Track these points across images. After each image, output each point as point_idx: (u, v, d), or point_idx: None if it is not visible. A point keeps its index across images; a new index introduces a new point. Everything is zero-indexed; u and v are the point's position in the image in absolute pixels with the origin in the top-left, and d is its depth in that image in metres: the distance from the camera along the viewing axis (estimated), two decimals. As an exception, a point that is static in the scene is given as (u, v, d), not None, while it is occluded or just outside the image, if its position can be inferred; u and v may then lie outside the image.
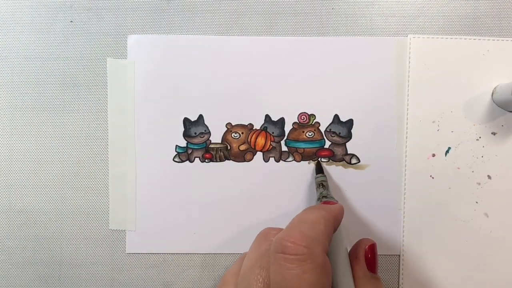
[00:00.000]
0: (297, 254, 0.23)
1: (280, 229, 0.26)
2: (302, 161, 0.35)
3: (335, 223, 0.26)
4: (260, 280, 0.24)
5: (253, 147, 0.35)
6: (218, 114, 0.35)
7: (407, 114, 0.35)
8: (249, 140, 0.35)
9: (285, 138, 0.35)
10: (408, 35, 0.35)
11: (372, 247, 0.28)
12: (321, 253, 0.24)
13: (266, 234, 0.28)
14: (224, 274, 0.29)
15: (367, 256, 0.27)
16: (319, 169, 0.34)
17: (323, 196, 0.31)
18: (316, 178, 0.33)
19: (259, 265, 0.25)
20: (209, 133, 0.35)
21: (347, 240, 0.30)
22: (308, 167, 0.35)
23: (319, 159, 0.34)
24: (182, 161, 0.35)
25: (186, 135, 0.35)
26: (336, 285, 0.26)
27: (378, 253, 0.35)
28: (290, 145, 0.35)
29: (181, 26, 0.35)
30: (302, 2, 0.35)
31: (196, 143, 0.35)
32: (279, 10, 0.35)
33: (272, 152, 0.35)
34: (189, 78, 0.35)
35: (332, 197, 0.30)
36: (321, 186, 0.32)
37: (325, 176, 0.33)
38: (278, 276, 0.23)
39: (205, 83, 0.35)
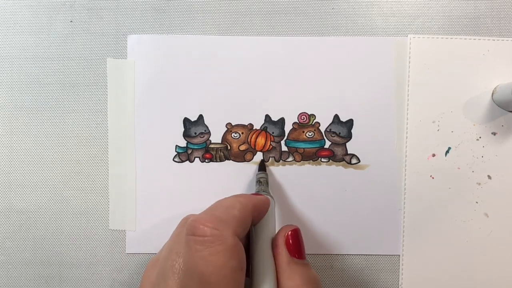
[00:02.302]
0: (205, 236, 0.23)
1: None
2: (302, 161, 0.35)
3: (254, 211, 0.26)
4: (176, 266, 0.24)
5: (253, 147, 0.35)
6: (218, 114, 0.35)
7: (407, 114, 0.35)
8: (249, 140, 0.35)
9: (285, 138, 0.35)
10: (408, 35, 0.35)
11: (294, 233, 0.27)
12: (231, 236, 0.23)
13: (186, 219, 0.28)
14: (149, 261, 0.28)
15: (288, 241, 0.27)
16: (262, 167, 0.34)
17: (257, 192, 0.31)
18: (256, 175, 0.34)
19: (176, 251, 0.25)
20: (209, 133, 0.35)
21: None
22: (308, 167, 0.35)
23: (263, 159, 0.35)
24: (182, 161, 0.35)
25: (186, 135, 0.35)
26: (256, 272, 0.26)
27: (378, 253, 0.35)
28: (290, 145, 0.35)
29: (181, 26, 0.35)
30: (302, 2, 0.35)
31: (196, 143, 0.35)
32: (279, 10, 0.35)
33: (272, 152, 0.35)
34: (189, 78, 0.35)
35: (266, 192, 0.31)
36: (258, 183, 0.33)
37: (265, 173, 0.34)
38: (188, 258, 0.23)
39: (205, 83, 0.35)
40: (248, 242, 0.28)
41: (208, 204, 0.29)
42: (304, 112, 0.35)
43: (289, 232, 0.27)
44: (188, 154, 0.35)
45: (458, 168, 0.35)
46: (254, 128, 0.35)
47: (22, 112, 0.35)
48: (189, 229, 0.24)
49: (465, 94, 0.35)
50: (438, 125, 0.35)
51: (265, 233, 0.27)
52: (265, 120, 0.35)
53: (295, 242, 0.27)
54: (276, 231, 0.28)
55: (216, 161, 0.35)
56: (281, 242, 0.27)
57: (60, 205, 0.35)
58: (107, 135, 0.35)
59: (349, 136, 0.35)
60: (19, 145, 0.35)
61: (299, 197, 0.35)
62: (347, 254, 0.35)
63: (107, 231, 0.35)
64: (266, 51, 0.35)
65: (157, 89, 0.35)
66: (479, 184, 0.35)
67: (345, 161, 0.35)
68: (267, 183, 0.33)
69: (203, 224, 0.23)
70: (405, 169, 0.35)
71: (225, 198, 0.27)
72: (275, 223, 0.29)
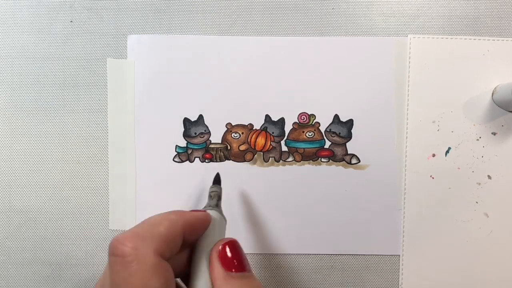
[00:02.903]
0: (124, 256, 0.22)
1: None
2: (302, 161, 0.35)
3: (187, 229, 0.25)
4: (105, 287, 0.23)
5: (253, 147, 0.35)
6: (218, 114, 0.35)
7: (407, 114, 0.35)
8: (249, 140, 0.35)
9: (285, 138, 0.35)
10: (408, 35, 0.35)
11: (229, 245, 0.26)
12: (152, 255, 0.22)
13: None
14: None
15: (222, 256, 0.25)
16: (216, 181, 0.33)
17: (204, 207, 0.30)
18: (210, 188, 0.32)
19: (106, 270, 0.24)
20: (209, 133, 0.35)
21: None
22: (308, 167, 0.35)
23: (218, 172, 0.33)
24: (182, 161, 0.35)
25: (186, 135, 0.35)
26: None
27: (378, 253, 0.35)
28: (290, 145, 0.35)
29: (181, 26, 0.35)
30: (302, 2, 0.35)
31: (196, 143, 0.35)
32: (279, 10, 0.35)
33: (272, 152, 0.35)
34: (189, 78, 0.35)
35: (212, 207, 0.29)
36: (209, 197, 0.31)
37: (219, 187, 0.32)
38: (112, 280, 0.22)
39: (205, 83, 0.35)
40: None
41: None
42: (304, 112, 0.35)
43: (221, 246, 0.26)
44: (188, 154, 0.35)
45: (458, 168, 0.35)
46: (254, 128, 0.35)
47: (22, 112, 0.35)
48: (110, 249, 0.23)
49: (465, 94, 0.35)
50: (438, 125, 0.35)
51: (203, 250, 0.26)
52: (265, 120, 0.35)
53: (231, 256, 0.25)
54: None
55: (216, 161, 0.35)
56: (214, 257, 0.25)
57: (60, 205, 0.35)
58: (107, 135, 0.35)
59: (349, 136, 0.35)
60: (19, 145, 0.35)
61: (299, 197, 0.35)
62: (347, 254, 0.35)
63: (107, 231, 0.35)
64: (266, 51, 0.35)
65: (157, 89, 0.35)
66: (479, 184, 0.35)
67: (345, 161, 0.35)
68: (218, 197, 0.31)
69: (122, 243, 0.22)
70: (405, 169, 0.35)
71: (156, 214, 0.25)
72: (217, 239, 0.28)
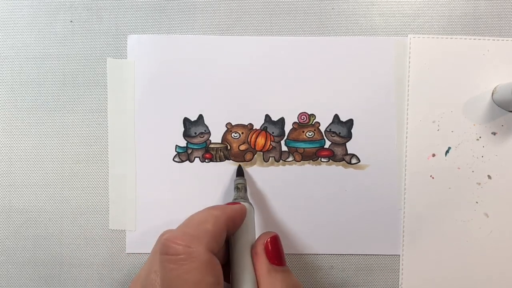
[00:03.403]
0: (177, 254, 0.23)
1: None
2: (302, 161, 0.35)
3: (229, 222, 0.26)
4: (156, 285, 0.24)
5: (253, 147, 0.35)
6: (218, 114, 0.35)
7: (407, 114, 0.35)
8: (249, 140, 0.35)
9: (285, 138, 0.35)
10: (408, 35, 0.35)
11: (273, 240, 0.27)
12: (205, 251, 0.23)
13: (160, 237, 0.27)
14: (132, 280, 0.28)
15: (268, 249, 0.26)
16: (239, 173, 0.34)
17: (234, 199, 0.31)
18: (234, 181, 0.33)
19: (154, 269, 0.24)
20: (209, 133, 0.35)
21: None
22: (308, 167, 0.35)
23: (240, 164, 0.34)
24: (182, 161, 0.35)
25: (186, 135, 0.35)
26: (237, 282, 0.26)
27: (378, 253, 0.35)
28: (290, 145, 0.35)
29: (181, 26, 0.35)
30: (302, 2, 0.35)
31: (196, 143, 0.35)
32: (279, 10, 0.35)
33: (272, 152, 0.35)
34: (189, 78, 0.35)
35: (243, 199, 0.30)
36: (236, 189, 0.32)
37: (243, 179, 0.33)
38: (164, 277, 0.23)
39: (205, 83, 0.35)
40: (228, 251, 0.28)
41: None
42: (304, 112, 0.35)
43: (268, 240, 0.27)
44: (188, 154, 0.35)
45: (458, 168, 0.35)
46: (254, 128, 0.35)
47: (22, 112, 0.35)
48: (162, 248, 0.24)
49: (465, 94, 0.35)
50: (438, 125, 0.35)
51: (244, 241, 0.27)
52: (265, 120, 0.35)
53: (274, 249, 0.27)
54: (253, 236, 0.28)
55: (216, 161, 0.35)
56: (260, 250, 0.26)
57: (60, 205, 0.35)
58: (107, 135, 0.35)
59: (349, 136, 0.35)
60: (19, 145, 0.35)
61: (299, 197, 0.35)
62: (347, 254, 0.35)
63: (107, 231, 0.35)
64: (266, 51, 0.35)
65: (157, 89, 0.35)
66: (479, 184, 0.35)
67: (345, 161, 0.35)
68: (245, 189, 0.32)
69: (175, 242, 0.23)
70: (405, 169, 0.35)
71: (199, 211, 0.27)
72: (255, 230, 0.29)
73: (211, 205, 0.29)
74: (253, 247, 0.27)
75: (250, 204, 0.29)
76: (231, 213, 0.26)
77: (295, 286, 0.26)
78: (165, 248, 0.23)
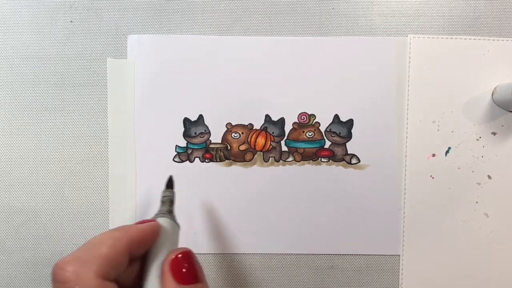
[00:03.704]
0: (64, 282, 0.22)
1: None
2: (302, 161, 0.35)
3: (133, 244, 0.24)
4: None
5: (253, 147, 0.35)
6: (218, 114, 0.35)
7: (407, 114, 0.35)
8: (249, 140, 0.35)
9: (285, 138, 0.35)
10: (408, 35, 0.35)
11: (181, 257, 0.25)
12: (93, 278, 0.22)
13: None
14: None
15: (173, 268, 0.24)
16: (168, 184, 0.31)
17: (156, 214, 0.28)
18: (162, 192, 0.31)
19: None
20: (209, 133, 0.35)
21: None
22: (308, 167, 0.35)
23: (171, 175, 0.32)
24: (182, 161, 0.35)
25: (186, 135, 0.35)
26: None
27: (378, 253, 0.35)
28: (290, 145, 0.35)
29: (181, 26, 0.35)
30: (302, 2, 0.35)
31: (196, 143, 0.35)
32: (279, 10, 0.35)
33: (272, 152, 0.35)
34: (189, 78, 0.35)
35: (164, 214, 0.28)
36: (161, 203, 0.30)
37: (171, 191, 0.31)
38: None
39: (205, 83, 0.35)
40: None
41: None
42: (304, 112, 0.35)
43: (173, 257, 0.25)
44: (188, 154, 0.35)
45: (458, 168, 0.35)
46: (254, 128, 0.35)
47: (22, 112, 0.35)
48: (52, 275, 0.22)
49: (465, 94, 0.35)
50: (438, 125, 0.35)
51: (156, 260, 0.25)
52: (265, 120, 0.35)
53: (181, 268, 0.25)
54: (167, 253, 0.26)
55: (216, 161, 0.35)
56: (166, 270, 0.24)
57: (60, 205, 0.35)
58: (107, 135, 0.35)
59: (349, 136, 0.35)
60: (19, 145, 0.35)
61: (299, 197, 0.35)
62: (347, 254, 0.35)
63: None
64: (266, 51, 0.35)
65: (157, 89, 0.35)
66: (479, 184, 0.35)
67: (345, 161, 0.35)
68: (171, 202, 0.30)
69: (63, 268, 0.22)
70: (405, 169, 0.35)
71: (101, 233, 0.25)
72: (170, 246, 0.26)
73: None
74: (162, 266, 0.25)
75: (173, 220, 0.27)
76: (137, 234, 0.24)
77: None
78: (54, 275, 0.22)
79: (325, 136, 0.35)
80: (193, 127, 0.35)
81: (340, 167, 0.35)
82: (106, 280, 0.22)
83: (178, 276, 0.24)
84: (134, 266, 0.25)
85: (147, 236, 0.25)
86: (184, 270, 0.25)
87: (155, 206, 0.35)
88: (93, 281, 0.22)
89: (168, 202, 0.29)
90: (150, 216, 0.35)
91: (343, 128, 0.35)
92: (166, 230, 0.26)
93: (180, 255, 0.25)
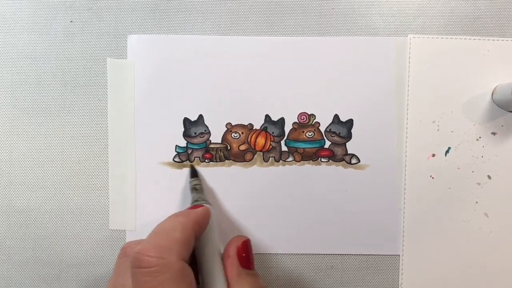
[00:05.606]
0: (150, 267, 0.23)
1: (140, 242, 0.26)
2: (302, 161, 0.35)
3: (196, 227, 0.26)
4: None
5: (253, 147, 0.35)
6: (218, 114, 0.35)
7: (407, 114, 0.35)
8: (249, 140, 0.35)
9: (285, 138, 0.35)
10: (408, 35, 0.35)
11: (246, 244, 0.28)
12: (177, 261, 0.24)
13: (125, 250, 0.28)
14: None
15: (240, 253, 0.27)
16: (193, 173, 0.34)
17: (195, 201, 0.30)
18: (190, 182, 0.33)
19: (121, 283, 0.25)
20: (209, 133, 0.35)
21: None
22: (308, 167, 0.35)
23: (192, 164, 0.34)
24: (182, 161, 0.35)
25: (186, 135, 0.35)
26: (207, 285, 0.26)
27: (378, 253, 0.35)
28: (290, 145, 0.35)
29: (181, 26, 0.35)
30: (302, 2, 0.35)
31: (196, 143, 0.35)
32: (279, 10, 0.35)
33: (272, 152, 0.35)
34: (189, 78, 0.35)
35: (204, 200, 0.30)
36: (194, 190, 0.32)
37: (199, 179, 0.33)
38: None
39: (205, 83, 0.35)
40: (193, 254, 0.28)
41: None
42: (304, 112, 0.35)
43: (241, 243, 0.27)
44: (188, 154, 0.35)
45: (458, 168, 0.35)
46: (254, 128, 0.35)
47: (22, 112, 0.35)
48: (134, 262, 0.24)
49: (465, 94, 0.35)
50: (438, 125, 0.35)
51: (210, 244, 0.27)
52: (265, 120, 0.35)
53: (246, 253, 0.27)
54: (217, 236, 0.28)
55: (216, 161, 0.35)
56: (232, 254, 0.27)
57: (60, 205, 0.35)
58: (107, 135, 0.35)
59: (349, 136, 0.35)
60: (19, 145, 0.35)
61: (299, 197, 0.35)
62: (347, 254, 0.35)
63: (107, 231, 0.35)
64: (266, 51, 0.35)
65: (157, 89, 0.35)
66: (479, 184, 0.35)
67: (345, 161, 0.35)
68: (202, 189, 0.32)
69: (147, 255, 0.23)
70: (405, 169, 0.35)
71: (165, 220, 0.27)
72: (216, 230, 0.29)
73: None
74: (225, 250, 0.28)
75: (210, 204, 0.29)
76: (196, 218, 0.27)
77: None
78: (138, 261, 0.23)
79: (325, 136, 0.35)
80: (193, 127, 0.35)
81: (340, 167, 0.35)
82: (185, 263, 0.24)
83: (243, 261, 0.27)
84: None
85: (204, 220, 0.28)
86: (246, 255, 0.27)
87: (156, 206, 0.35)
88: (177, 264, 0.24)
89: (200, 189, 0.32)
90: (150, 215, 0.35)
91: (343, 128, 0.35)
92: (212, 215, 0.29)
93: (245, 242, 0.28)
